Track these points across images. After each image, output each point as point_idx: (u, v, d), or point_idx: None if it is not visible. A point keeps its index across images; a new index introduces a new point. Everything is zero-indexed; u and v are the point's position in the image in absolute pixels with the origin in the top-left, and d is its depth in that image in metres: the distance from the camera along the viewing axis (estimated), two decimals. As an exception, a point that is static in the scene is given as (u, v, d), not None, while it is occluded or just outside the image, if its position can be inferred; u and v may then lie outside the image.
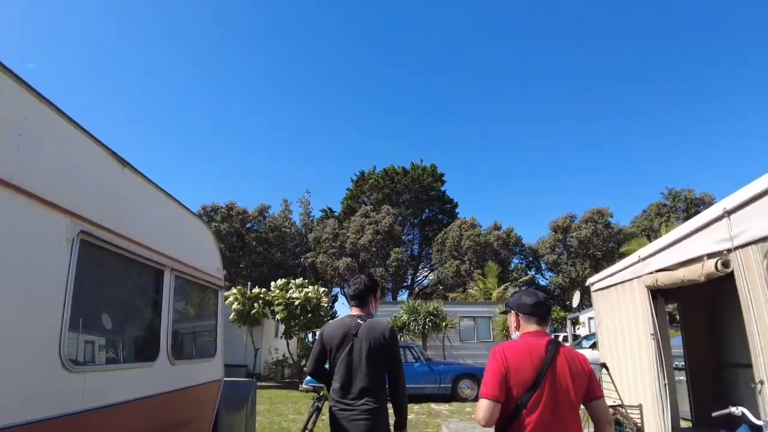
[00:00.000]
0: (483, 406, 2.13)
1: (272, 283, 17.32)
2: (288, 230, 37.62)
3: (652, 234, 31.92)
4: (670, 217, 35.02)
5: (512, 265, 36.21)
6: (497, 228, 35.97)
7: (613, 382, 5.80)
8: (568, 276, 33.78)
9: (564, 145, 69.27)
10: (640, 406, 5.79)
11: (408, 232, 41.46)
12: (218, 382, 4.87)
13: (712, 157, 65.96)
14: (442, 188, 42.70)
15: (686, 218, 34.63)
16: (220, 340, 4.96)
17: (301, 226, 41.52)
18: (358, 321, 3.25)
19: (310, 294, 16.35)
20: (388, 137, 70.81)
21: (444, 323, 18.04)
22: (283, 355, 17.25)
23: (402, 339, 17.84)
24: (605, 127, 66.42)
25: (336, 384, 3.17)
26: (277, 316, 16.34)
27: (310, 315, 16.23)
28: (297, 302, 16.17)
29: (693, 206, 36.16)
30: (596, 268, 34.14)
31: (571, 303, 25.57)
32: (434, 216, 42.86)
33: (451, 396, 12.65)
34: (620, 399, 5.77)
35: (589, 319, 22.98)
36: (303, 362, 16.96)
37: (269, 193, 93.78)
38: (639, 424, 5.77)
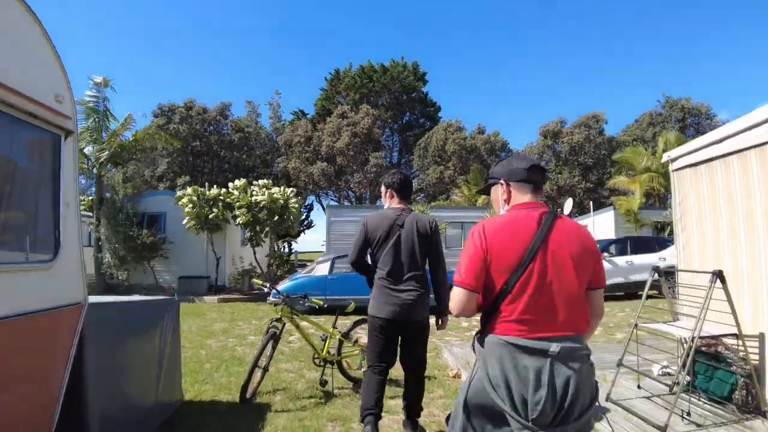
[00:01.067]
0: (455, 296, 1.86)
1: (230, 184, 14.87)
2: (254, 133, 34.44)
3: (645, 144, 30.06)
4: (665, 127, 33.07)
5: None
6: (482, 131, 33.50)
7: (730, 300, 3.75)
8: (556, 183, 32.02)
9: (557, 49, 65.41)
10: (761, 337, 3.81)
11: (387, 138, 38.70)
12: (72, 309, 2.59)
13: (710, 68, 63.31)
14: (425, 89, 39.50)
15: (681, 129, 32.79)
16: (71, 232, 2.61)
17: (272, 131, 38.31)
18: (402, 213, 3.43)
19: (275, 195, 14.00)
20: (368, 30, 65.53)
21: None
22: (250, 264, 15.21)
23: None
24: (603, 30, 62.48)
25: (382, 272, 3.38)
26: (239, 221, 14.05)
27: (277, 219, 13.98)
28: (261, 204, 13.85)
29: (689, 116, 34.15)
30: (585, 177, 32.49)
31: (561, 211, 23.90)
32: (415, 120, 39.98)
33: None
34: (737, 325, 3.77)
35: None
36: (278, 272, 14.98)
37: (233, 96, 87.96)
38: (757, 362, 3.83)
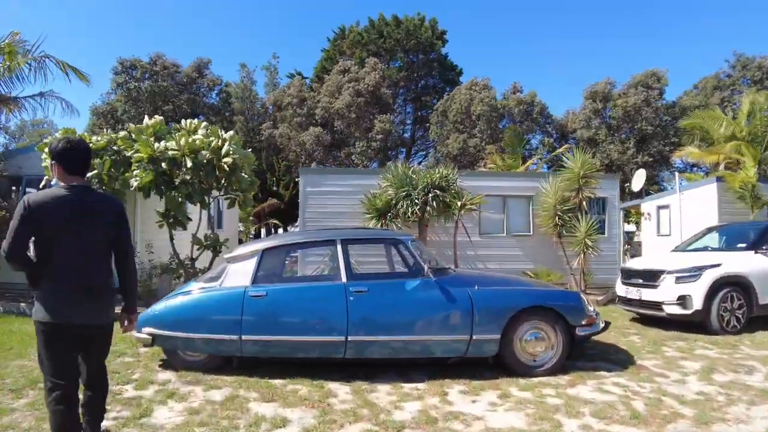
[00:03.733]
0: None
1: (130, 125, 9.10)
2: (247, 102, 28.65)
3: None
4: (736, 91, 26.63)
5: (533, 142, 27.99)
6: (517, 91, 27.21)
7: None
8: (608, 157, 25.81)
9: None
10: None
11: (399, 108, 32.68)
12: None
13: None
14: (443, 50, 33.23)
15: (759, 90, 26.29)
16: None
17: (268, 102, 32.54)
18: (78, 191, 2.73)
19: (197, 141, 8.20)
20: None
21: (460, 204, 10.13)
22: (171, 258, 9.49)
23: (386, 226, 10.12)
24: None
25: (55, 266, 2.67)
26: (134, 183, 8.28)
27: (214, 178, 8.19)
28: (173, 155, 8.06)
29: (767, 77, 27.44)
30: (641, 149, 26.23)
31: (630, 187, 17.79)
32: (433, 86, 33.77)
33: (499, 361, 5.01)
34: None
35: (660, 209, 15.30)
36: (201, 269, 9.17)
37: (225, 62, 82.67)
38: None
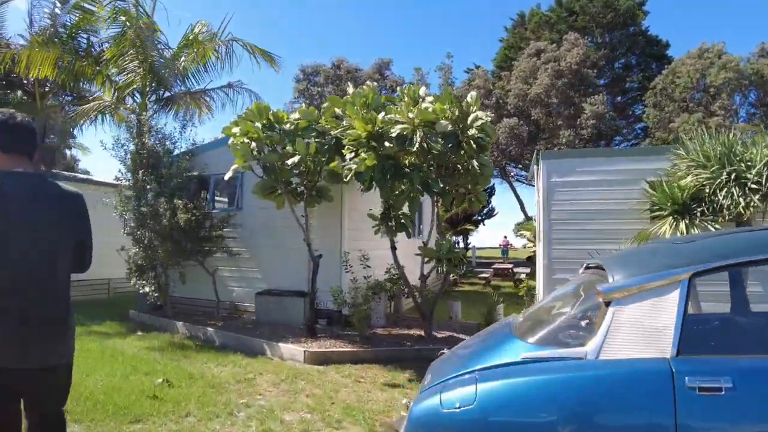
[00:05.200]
0: None
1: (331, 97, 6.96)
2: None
3: None
4: None
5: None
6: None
7: None
8: None
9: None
10: None
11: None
12: None
13: None
14: (644, 23, 27.70)
15: None
16: None
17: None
18: (15, 178, 1.94)
19: (432, 110, 5.69)
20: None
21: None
22: (389, 270, 7.19)
23: (693, 228, 6.61)
24: None
25: None
26: (349, 170, 6.05)
27: (446, 171, 5.63)
28: (402, 130, 5.65)
29: None
30: None
31: None
32: (637, 64, 28.31)
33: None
34: None
35: None
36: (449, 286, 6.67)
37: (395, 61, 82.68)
38: None
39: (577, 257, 8.69)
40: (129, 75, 8.90)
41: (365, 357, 6.02)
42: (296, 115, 6.68)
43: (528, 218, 27.51)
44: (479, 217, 27.21)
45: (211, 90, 10.06)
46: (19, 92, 11.31)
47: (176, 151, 8.41)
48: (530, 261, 22.63)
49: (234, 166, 6.30)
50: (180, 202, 7.26)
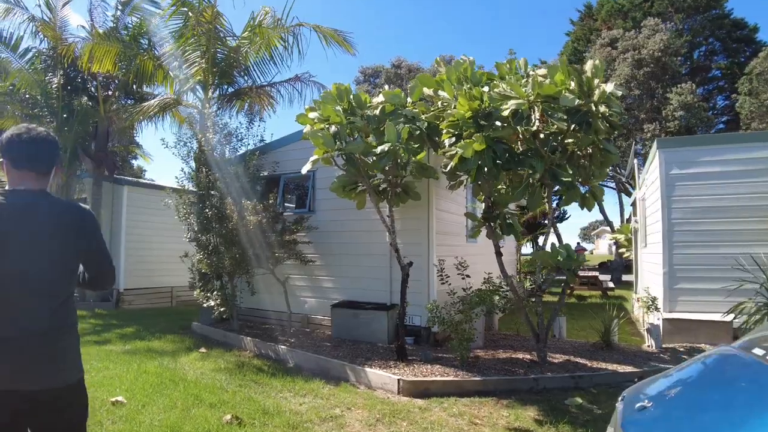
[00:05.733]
0: None
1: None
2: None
3: None
4: None
5: None
6: None
7: None
8: None
9: None
10: None
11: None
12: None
13: None
14: (727, 6, 25.24)
15: None
16: None
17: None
18: (24, 199, 1.86)
19: (550, 82, 4.53)
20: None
21: None
22: (487, 279, 6.07)
23: None
24: None
25: None
26: (454, 155, 4.98)
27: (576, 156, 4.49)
28: (518, 106, 4.54)
29: None
30: None
31: None
32: (723, 49, 25.81)
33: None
34: None
35: None
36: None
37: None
38: None
39: (705, 263, 7.32)
40: (192, 66, 8.24)
41: (472, 388, 4.91)
42: (380, 98, 5.69)
43: (608, 222, 25.58)
44: (547, 221, 25.53)
45: (278, 83, 9.30)
46: (84, 98, 10.98)
47: (242, 149, 7.65)
48: (602, 267, 20.80)
49: (313, 158, 5.35)
50: (249, 203, 6.43)
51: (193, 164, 7.22)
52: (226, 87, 8.94)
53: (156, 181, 13.92)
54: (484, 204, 5.83)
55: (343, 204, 7.16)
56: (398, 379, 4.96)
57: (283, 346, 6.30)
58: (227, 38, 8.50)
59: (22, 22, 10.67)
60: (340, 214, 7.39)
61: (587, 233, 71.04)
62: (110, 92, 11.34)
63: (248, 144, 7.64)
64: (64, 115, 10.65)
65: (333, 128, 5.21)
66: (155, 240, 11.33)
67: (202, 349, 6.66)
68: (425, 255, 6.57)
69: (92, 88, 11.79)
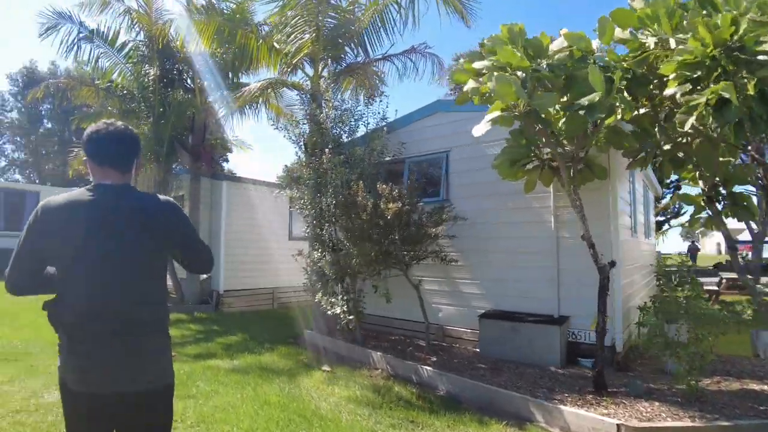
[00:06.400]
0: None
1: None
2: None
3: None
4: None
5: None
6: None
7: None
8: None
9: None
10: None
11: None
12: None
13: None
14: None
15: None
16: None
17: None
18: (113, 194, 1.79)
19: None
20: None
21: None
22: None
23: None
24: None
25: (77, 304, 1.67)
26: (701, 103, 3.41)
27: None
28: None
29: None
30: None
31: None
32: None
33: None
34: None
35: None
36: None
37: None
38: None
39: None
40: (300, 37, 7.22)
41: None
42: (560, 42, 4.25)
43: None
44: (662, 217, 22.86)
45: (393, 56, 8.12)
46: (181, 91, 10.42)
47: (361, 130, 6.50)
48: (716, 269, 17.95)
49: (492, 116, 3.99)
50: (385, 187, 5.23)
51: (307, 145, 6.14)
52: (334, 64, 7.86)
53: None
54: (702, 184, 4.25)
55: (487, 189, 5.80)
56: (617, 424, 3.52)
57: (428, 368, 5.02)
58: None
59: (119, 15, 10.30)
60: (484, 202, 6.03)
61: (689, 231, 64.76)
62: (206, 82, 10.71)
63: (368, 123, 6.47)
64: (161, 109, 10.14)
65: (520, 74, 3.84)
66: (255, 239, 10.59)
67: (325, 367, 5.54)
68: (607, 252, 5.05)
69: (188, 79, 11.26)
